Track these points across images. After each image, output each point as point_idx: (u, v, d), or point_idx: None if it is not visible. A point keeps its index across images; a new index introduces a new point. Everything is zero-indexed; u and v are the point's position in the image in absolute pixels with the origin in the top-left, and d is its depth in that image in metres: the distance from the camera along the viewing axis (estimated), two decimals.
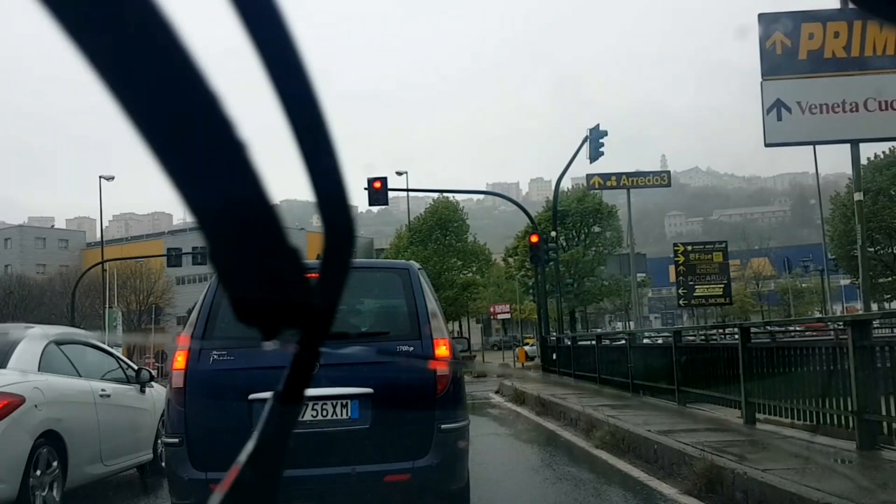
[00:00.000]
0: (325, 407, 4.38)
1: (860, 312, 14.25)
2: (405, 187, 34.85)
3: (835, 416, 6.72)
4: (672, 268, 35.92)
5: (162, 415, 6.98)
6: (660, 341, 17.42)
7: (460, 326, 54.29)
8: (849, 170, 13.64)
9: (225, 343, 4.53)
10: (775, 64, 11.82)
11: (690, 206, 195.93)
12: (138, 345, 47.59)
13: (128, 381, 7.51)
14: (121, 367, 7.63)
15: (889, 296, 40.49)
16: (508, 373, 24.15)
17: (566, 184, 52.68)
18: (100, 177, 39.16)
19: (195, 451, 4.34)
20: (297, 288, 0.61)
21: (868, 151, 40.78)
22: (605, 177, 31.10)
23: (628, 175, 31.54)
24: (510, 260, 51.43)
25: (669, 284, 54.75)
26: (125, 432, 7.08)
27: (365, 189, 22.11)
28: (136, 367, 7.91)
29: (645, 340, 16.83)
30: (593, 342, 15.67)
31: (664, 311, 70.31)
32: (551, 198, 32.33)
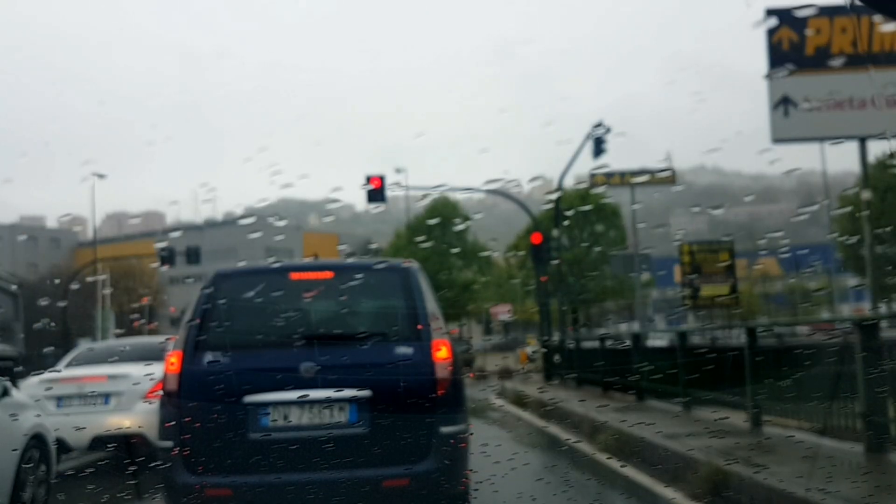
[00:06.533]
0: (322, 410, 4.30)
1: (868, 313, 14.12)
2: (404, 185, 34.66)
3: (842, 419, 6.62)
4: (677, 267, 35.75)
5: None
6: (665, 343, 17.29)
7: (460, 327, 54.24)
8: (856, 167, 13.53)
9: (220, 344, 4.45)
10: (782, 59, 11.73)
11: (696, 203, 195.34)
12: None
13: None
14: None
15: None
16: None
17: (569, 182, 52.61)
18: (92, 174, 38.99)
19: (189, 456, 4.26)
20: None
21: (876, 149, 40.63)
22: (609, 175, 30.93)
23: (632, 173, 31.36)
24: (511, 259, 51.37)
25: (674, 284, 54.59)
26: None
27: (363, 187, 21.98)
28: None
29: (649, 342, 16.69)
30: (596, 344, 15.55)
31: (669, 311, 70.06)
32: (553, 196, 32.17)
